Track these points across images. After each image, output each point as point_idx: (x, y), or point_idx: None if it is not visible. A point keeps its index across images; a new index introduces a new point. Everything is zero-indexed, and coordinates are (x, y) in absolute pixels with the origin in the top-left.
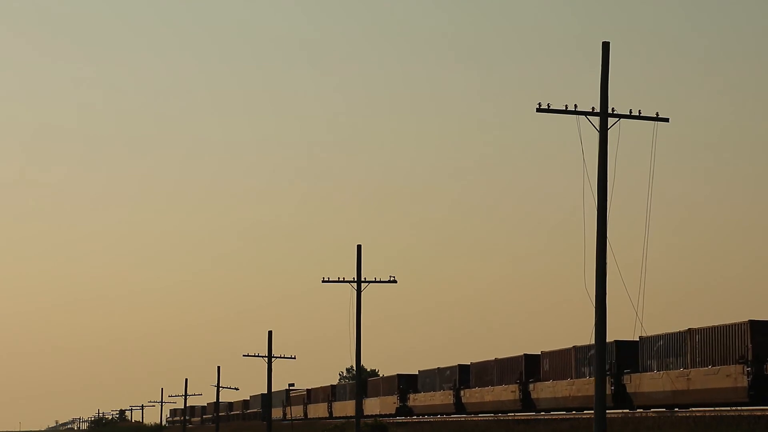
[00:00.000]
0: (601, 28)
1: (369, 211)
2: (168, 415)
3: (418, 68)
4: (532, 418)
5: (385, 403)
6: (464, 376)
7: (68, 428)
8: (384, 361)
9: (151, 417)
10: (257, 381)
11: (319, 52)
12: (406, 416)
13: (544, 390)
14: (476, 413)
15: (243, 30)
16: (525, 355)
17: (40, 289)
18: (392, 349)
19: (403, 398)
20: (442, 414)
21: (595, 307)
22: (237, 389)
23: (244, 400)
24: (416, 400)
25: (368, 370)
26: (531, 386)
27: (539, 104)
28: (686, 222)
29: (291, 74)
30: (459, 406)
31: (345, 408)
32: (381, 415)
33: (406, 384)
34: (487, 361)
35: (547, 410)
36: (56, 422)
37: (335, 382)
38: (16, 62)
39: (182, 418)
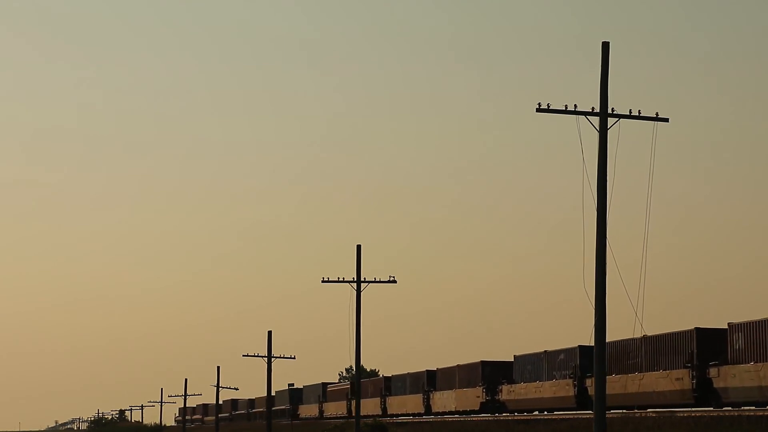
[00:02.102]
0: (601, 28)
1: (369, 211)
2: (177, 414)
3: (418, 68)
4: (532, 418)
5: (464, 398)
6: (588, 360)
7: (68, 428)
8: (384, 361)
9: (151, 417)
10: (257, 381)
11: (319, 52)
12: (494, 413)
13: (737, 376)
14: (610, 408)
15: (243, 30)
16: (697, 329)
17: (40, 289)
18: (392, 348)
19: (492, 390)
20: (554, 410)
21: (595, 307)
22: (237, 389)
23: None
24: (513, 392)
25: (368, 370)
26: (712, 371)
27: (539, 104)
28: (686, 222)
29: (291, 74)
30: (583, 400)
31: (404, 404)
32: (457, 412)
33: (493, 372)
34: (630, 339)
35: (737, 405)
36: (56, 422)
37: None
38: (16, 62)
39: (183, 417)
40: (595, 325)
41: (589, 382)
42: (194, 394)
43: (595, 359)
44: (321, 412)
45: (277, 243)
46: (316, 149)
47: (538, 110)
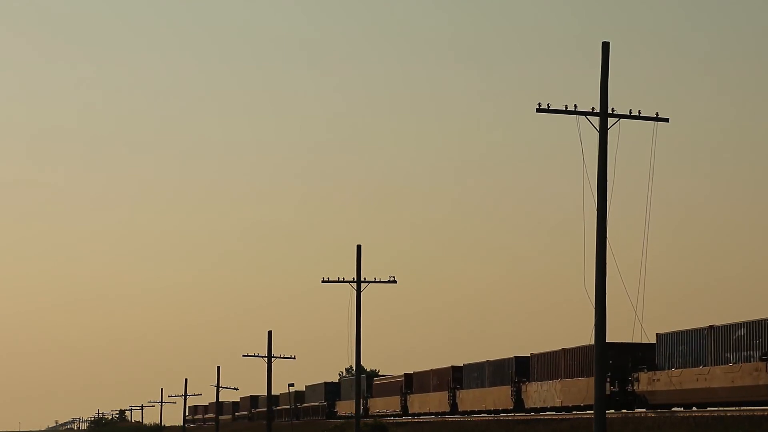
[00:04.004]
0: (601, 28)
1: (369, 211)
2: (187, 413)
3: (418, 68)
4: (532, 418)
5: (575, 389)
6: None
7: (68, 428)
8: (384, 361)
9: (152, 417)
10: (257, 381)
11: (319, 52)
12: (624, 409)
13: None
14: None
15: (243, 30)
16: None
17: (40, 289)
18: (392, 348)
19: (622, 379)
20: (734, 404)
21: (595, 307)
22: (237, 389)
23: (297, 391)
24: (657, 381)
25: (368, 370)
26: None
27: (539, 104)
28: (686, 222)
29: (291, 74)
30: None
31: (482, 398)
32: (564, 408)
33: (620, 356)
34: None
35: None
36: (56, 422)
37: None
38: (17, 63)
39: (184, 416)
40: (595, 325)
41: None
42: (194, 394)
43: (596, 359)
44: (365, 408)
45: (277, 243)
46: (316, 149)
47: (538, 110)
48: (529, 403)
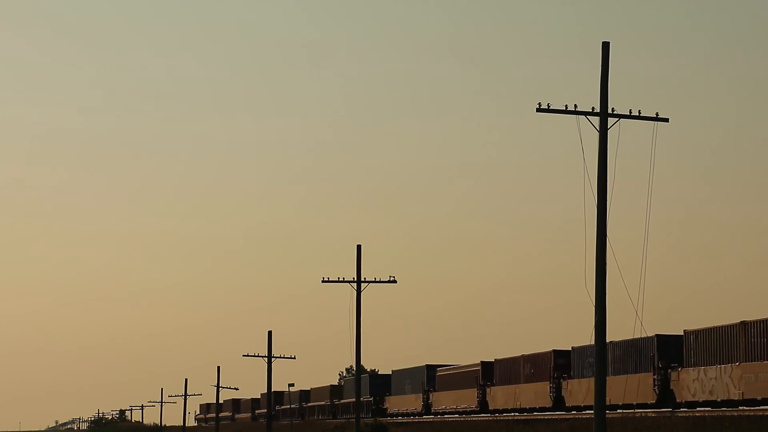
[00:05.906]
0: (601, 28)
1: (369, 211)
2: (198, 411)
3: (418, 68)
4: (532, 418)
5: (765, 377)
6: None
7: (68, 428)
8: (385, 362)
9: (151, 417)
10: (257, 381)
11: (320, 52)
12: None
13: None
14: None
15: (244, 30)
16: None
17: (40, 289)
18: (392, 348)
19: None
20: None
21: (595, 307)
22: (237, 389)
23: (332, 385)
24: None
25: (368, 370)
26: None
27: (539, 104)
28: (686, 222)
29: (292, 75)
30: None
31: (611, 389)
32: (753, 402)
33: None
34: None
35: None
36: (56, 422)
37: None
38: (17, 63)
39: (184, 415)
40: (596, 324)
41: None
42: (194, 394)
43: (596, 359)
44: (427, 405)
45: (277, 243)
46: (317, 149)
47: (538, 110)
48: (683, 396)
